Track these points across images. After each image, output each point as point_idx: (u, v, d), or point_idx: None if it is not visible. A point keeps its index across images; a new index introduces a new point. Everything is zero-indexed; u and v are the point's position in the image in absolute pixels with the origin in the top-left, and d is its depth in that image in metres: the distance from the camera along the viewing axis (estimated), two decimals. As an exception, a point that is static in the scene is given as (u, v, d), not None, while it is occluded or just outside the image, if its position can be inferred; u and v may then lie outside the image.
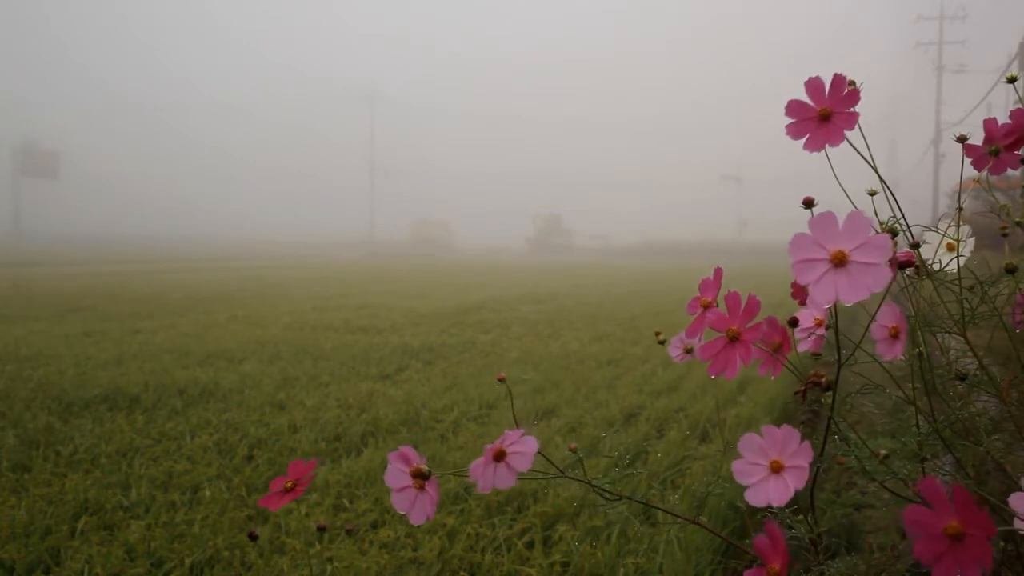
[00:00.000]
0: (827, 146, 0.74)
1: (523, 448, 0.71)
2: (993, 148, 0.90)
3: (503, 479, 0.71)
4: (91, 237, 48.23)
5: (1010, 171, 0.94)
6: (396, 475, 0.75)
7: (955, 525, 0.54)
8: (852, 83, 0.74)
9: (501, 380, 0.88)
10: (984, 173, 0.92)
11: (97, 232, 54.60)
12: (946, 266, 0.94)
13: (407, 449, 0.75)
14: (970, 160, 0.92)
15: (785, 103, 0.74)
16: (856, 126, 0.73)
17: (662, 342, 0.98)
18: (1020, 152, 0.90)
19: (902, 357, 0.80)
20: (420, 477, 0.73)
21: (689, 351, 0.96)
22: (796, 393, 0.74)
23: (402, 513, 0.74)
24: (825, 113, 0.73)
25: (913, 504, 0.57)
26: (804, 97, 0.75)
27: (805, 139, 0.74)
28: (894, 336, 0.76)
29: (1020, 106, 0.93)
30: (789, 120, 0.74)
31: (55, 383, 4.08)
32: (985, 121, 0.92)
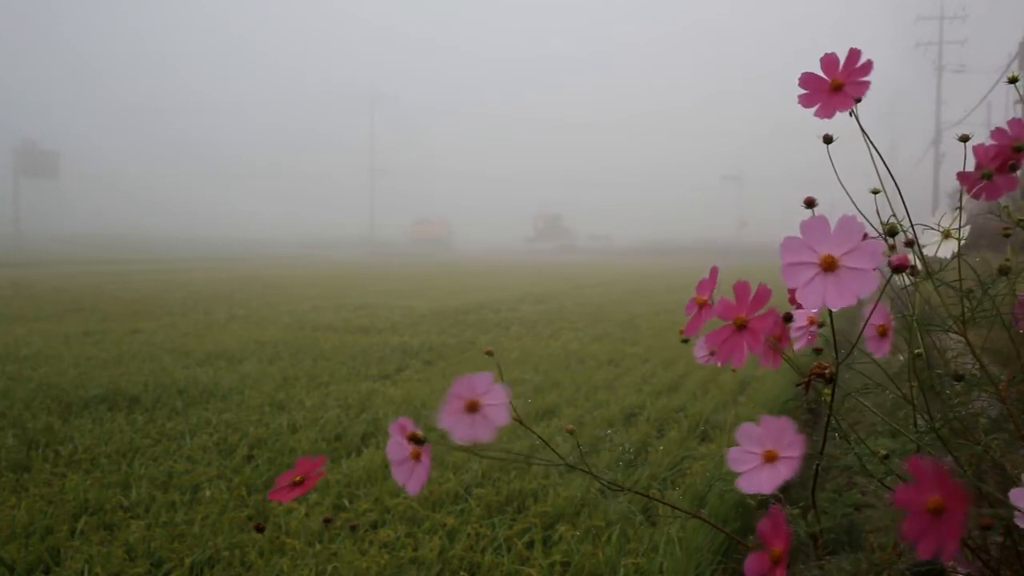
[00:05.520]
0: (837, 112, 0.74)
1: (496, 400, 0.70)
2: (985, 172, 0.90)
3: (483, 430, 0.70)
4: (91, 237, 48.24)
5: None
6: (396, 448, 0.76)
7: (937, 500, 0.55)
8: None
9: (488, 354, 0.87)
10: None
11: (97, 232, 54.59)
12: (946, 266, 0.94)
13: (405, 420, 0.76)
14: (966, 188, 0.93)
15: (798, 76, 0.75)
16: (864, 96, 0.74)
17: (686, 341, 0.98)
18: (1014, 172, 0.91)
19: (889, 354, 0.80)
20: (415, 442, 0.74)
21: (714, 352, 0.96)
22: (798, 384, 0.74)
23: (401, 484, 0.75)
24: (837, 84, 0.73)
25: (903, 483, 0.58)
26: (803, 87, 0.76)
27: (816, 108, 0.75)
28: (882, 334, 0.76)
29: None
30: (801, 91, 0.75)
31: (55, 383, 4.08)
32: (974, 148, 0.92)
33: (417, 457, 0.74)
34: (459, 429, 0.70)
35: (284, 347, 5.60)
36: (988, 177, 0.90)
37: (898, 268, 0.66)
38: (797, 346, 0.86)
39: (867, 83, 0.73)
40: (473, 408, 0.69)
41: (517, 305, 9.29)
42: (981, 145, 0.92)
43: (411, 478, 0.75)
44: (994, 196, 0.92)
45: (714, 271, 0.83)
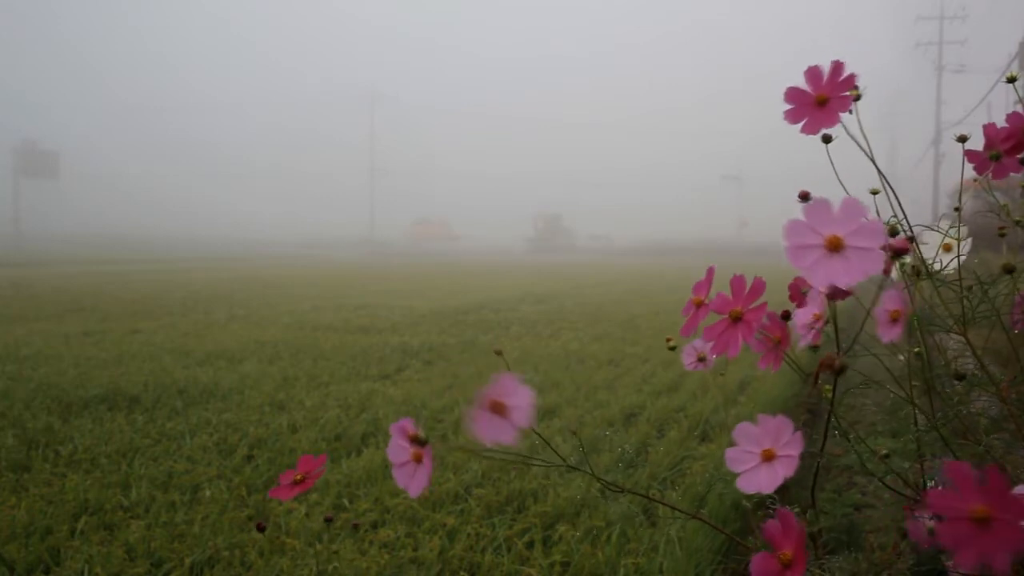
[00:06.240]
0: (823, 129, 0.75)
1: (520, 401, 0.70)
2: (994, 153, 0.90)
3: (505, 435, 0.70)
4: (91, 237, 48.23)
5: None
6: (397, 450, 0.75)
7: (981, 509, 0.52)
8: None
9: (498, 353, 0.88)
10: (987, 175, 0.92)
11: (97, 232, 54.60)
12: (947, 266, 0.94)
13: (406, 421, 0.76)
14: (972, 166, 0.92)
15: (783, 91, 0.75)
16: (851, 109, 0.74)
17: (673, 348, 0.98)
18: (1021, 156, 0.90)
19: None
20: (417, 443, 0.73)
21: (702, 359, 0.96)
22: (808, 375, 0.74)
23: (402, 487, 0.74)
24: (822, 99, 0.74)
25: (935, 489, 0.57)
26: (788, 102, 0.76)
27: (803, 124, 0.75)
28: (894, 319, 0.76)
29: (1020, 106, 0.93)
30: (787, 106, 0.76)
31: (55, 383, 4.08)
32: (985, 126, 0.92)
33: (419, 459, 0.74)
34: (483, 431, 0.69)
35: (284, 347, 5.60)
36: (996, 158, 0.89)
37: (899, 253, 0.66)
38: (802, 343, 0.86)
39: (850, 97, 0.74)
40: (498, 410, 0.69)
41: (517, 305, 9.29)
42: (992, 124, 0.92)
43: (412, 480, 0.74)
44: (1000, 176, 0.91)
45: (711, 271, 0.84)
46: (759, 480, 0.69)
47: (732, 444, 0.71)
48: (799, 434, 0.68)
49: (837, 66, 0.74)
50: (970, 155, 0.92)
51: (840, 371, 0.73)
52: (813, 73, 0.75)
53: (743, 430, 0.71)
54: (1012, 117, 0.91)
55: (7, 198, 53.89)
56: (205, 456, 2.87)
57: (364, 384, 4.27)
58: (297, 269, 20.24)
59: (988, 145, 0.91)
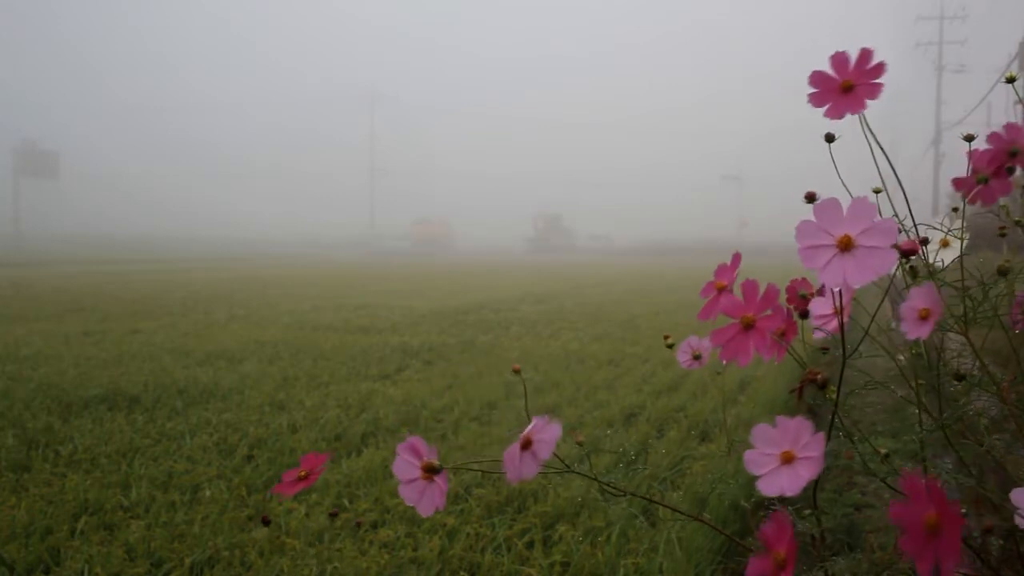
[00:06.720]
0: (848, 113, 0.75)
1: (546, 436, 0.71)
2: (981, 177, 0.91)
3: (528, 468, 0.70)
4: (91, 237, 48.24)
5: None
6: (404, 466, 0.73)
7: (933, 517, 0.55)
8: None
9: (516, 372, 0.88)
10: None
11: (97, 232, 54.62)
12: (948, 267, 0.94)
13: (416, 440, 0.74)
14: (960, 193, 0.93)
15: (809, 74, 0.76)
16: (877, 97, 0.74)
17: (670, 346, 0.98)
18: (1009, 176, 0.91)
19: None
20: (431, 471, 0.72)
21: (697, 357, 0.96)
22: (792, 392, 0.74)
23: (410, 505, 0.73)
24: (848, 84, 0.74)
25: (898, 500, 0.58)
26: (813, 85, 0.76)
27: (826, 108, 0.75)
28: (923, 318, 0.75)
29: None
30: (811, 90, 0.76)
31: (55, 383, 4.07)
32: (971, 153, 0.93)
33: (430, 479, 0.72)
34: (511, 471, 0.70)
35: (284, 347, 5.60)
36: (984, 182, 0.90)
37: (908, 253, 0.66)
38: (817, 335, 0.86)
39: (880, 85, 0.73)
40: (527, 446, 0.70)
41: (517, 305, 9.29)
42: (977, 150, 0.92)
43: (423, 498, 0.73)
44: (990, 200, 0.92)
45: (737, 256, 0.82)
46: (781, 482, 0.68)
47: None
48: (820, 435, 0.68)
49: (865, 53, 0.74)
50: (957, 183, 0.93)
51: (823, 386, 0.72)
52: (839, 59, 0.75)
53: (761, 432, 0.70)
54: (992, 138, 0.92)
55: (7, 198, 53.91)
56: (205, 456, 2.87)
57: (364, 384, 4.27)
58: (297, 269, 20.24)
59: (975, 171, 0.92)
